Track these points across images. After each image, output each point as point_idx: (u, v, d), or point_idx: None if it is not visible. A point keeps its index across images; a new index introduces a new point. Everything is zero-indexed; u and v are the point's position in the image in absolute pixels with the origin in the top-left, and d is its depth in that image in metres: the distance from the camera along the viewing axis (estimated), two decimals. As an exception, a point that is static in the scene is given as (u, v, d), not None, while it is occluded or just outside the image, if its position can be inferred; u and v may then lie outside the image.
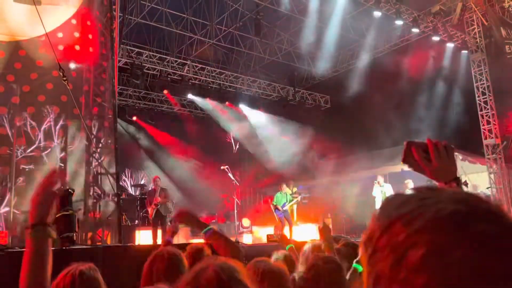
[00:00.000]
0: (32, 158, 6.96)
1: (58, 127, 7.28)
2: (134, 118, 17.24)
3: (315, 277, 2.46)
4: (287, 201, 11.13)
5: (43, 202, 1.48)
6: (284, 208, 11.07)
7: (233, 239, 9.83)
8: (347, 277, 3.07)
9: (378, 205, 10.76)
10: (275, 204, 11.27)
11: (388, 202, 0.58)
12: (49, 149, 7.14)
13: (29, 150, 6.89)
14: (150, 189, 10.10)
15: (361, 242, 0.57)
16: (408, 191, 0.57)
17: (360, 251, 0.57)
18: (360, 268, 3.09)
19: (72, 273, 2.00)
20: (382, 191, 10.97)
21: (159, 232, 9.48)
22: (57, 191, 1.53)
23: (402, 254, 0.50)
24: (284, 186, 11.42)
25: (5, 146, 6.77)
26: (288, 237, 10.46)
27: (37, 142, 7.06)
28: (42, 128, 7.11)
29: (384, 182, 11.06)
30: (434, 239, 0.49)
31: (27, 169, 6.87)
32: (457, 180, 1.31)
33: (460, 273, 0.47)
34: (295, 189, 12.13)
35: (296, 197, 11.45)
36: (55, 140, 7.23)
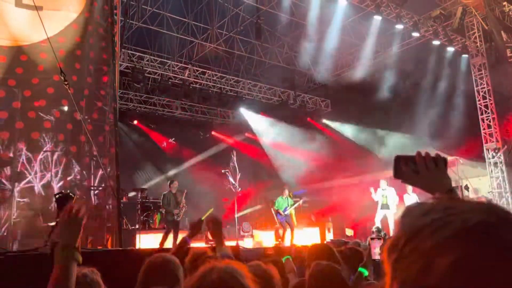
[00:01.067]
0: (33, 163, 6.96)
1: (58, 131, 7.28)
2: (135, 121, 17.26)
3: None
4: (288, 205, 11.11)
5: (73, 226, 1.56)
6: (286, 213, 11.05)
7: (233, 242, 9.83)
8: (353, 278, 3.07)
9: (379, 209, 10.80)
10: (276, 208, 11.25)
11: (411, 210, 0.59)
12: (49, 153, 7.13)
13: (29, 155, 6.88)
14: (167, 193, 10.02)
15: (384, 248, 0.58)
16: (430, 201, 0.59)
17: (384, 257, 0.58)
18: (365, 273, 3.08)
19: None
20: (383, 194, 10.92)
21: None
22: (84, 219, 1.61)
23: (430, 261, 0.51)
24: (286, 190, 11.40)
25: (7, 151, 6.77)
26: (290, 242, 10.48)
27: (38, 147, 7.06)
28: (43, 133, 7.11)
29: (386, 186, 10.97)
30: (463, 248, 0.50)
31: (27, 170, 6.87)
32: (451, 192, 1.28)
33: (490, 281, 0.48)
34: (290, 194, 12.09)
35: (298, 201, 11.42)
36: (55, 145, 7.24)
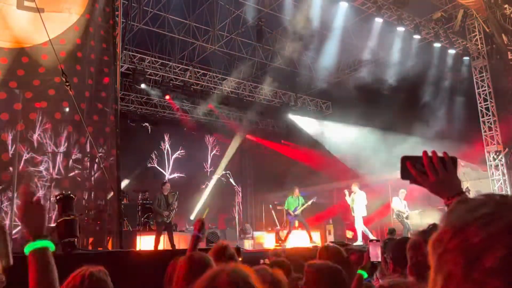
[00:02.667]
0: (34, 164, 6.96)
1: (59, 133, 7.29)
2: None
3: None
4: (298, 205, 11.10)
5: (32, 216, 1.53)
6: (296, 213, 11.04)
7: (234, 244, 9.82)
8: (354, 282, 3.08)
9: (354, 212, 10.82)
10: (286, 208, 11.25)
11: (459, 205, 0.59)
12: (51, 155, 7.14)
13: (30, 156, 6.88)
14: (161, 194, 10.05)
15: (430, 242, 0.58)
16: (479, 196, 0.59)
17: (429, 251, 0.58)
18: (365, 275, 3.09)
19: (82, 274, 2.04)
20: (353, 198, 11.05)
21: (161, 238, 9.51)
22: (40, 200, 1.59)
23: (477, 255, 0.50)
24: (297, 190, 11.37)
25: (7, 152, 6.77)
26: (309, 241, 10.47)
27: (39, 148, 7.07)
28: (44, 135, 7.11)
29: (358, 190, 11.12)
30: None
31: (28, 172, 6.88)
32: (462, 194, 1.21)
33: None
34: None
35: (308, 202, 11.40)
36: (56, 146, 7.24)
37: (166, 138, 17.72)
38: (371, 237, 10.04)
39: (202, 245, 9.62)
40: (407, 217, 11.07)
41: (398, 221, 11.24)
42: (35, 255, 1.46)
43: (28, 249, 1.46)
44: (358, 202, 10.93)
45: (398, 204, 11.22)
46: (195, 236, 3.22)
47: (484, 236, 0.51)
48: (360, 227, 10.92)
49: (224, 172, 13.28)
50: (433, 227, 1.81)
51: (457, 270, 0.52)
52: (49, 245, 1.50)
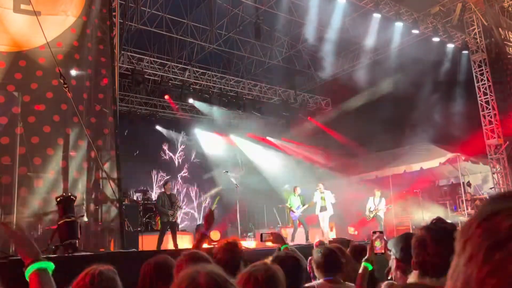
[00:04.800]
0: (33, 166, 6.96)
1: (57, 136, 7.28)
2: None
3: None
4: (301, 203, 11.10)
5: (19, 241, 1.66)
6: (298, 211, 11.04)
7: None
8: (359, 273, 3.10)
9: (317, 210, 11.00)
10: (289, 206, 11.26)
11: (493, 197, 0.60)
12: (50, 157, 7.13)
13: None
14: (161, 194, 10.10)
15: (459, 230, 0.60)
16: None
17: (457, 237, 0.59)
18: (370, 267, 3.11)
19: (91, 273, 2.07)
20: (322, 197, 11.20)
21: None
22: (18, 231, 1.72)
23: (502, 240, 0.52)
24: (298, 188, 11.39)
25: (7, 156, 6.77)
26: (305, 241, 10.48)
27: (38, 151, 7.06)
28: (43, 137, 7.11)
29: (324, 189, 11.32)
30: None
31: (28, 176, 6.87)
32: None
33: None
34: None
35: (310, 201, 11.40)
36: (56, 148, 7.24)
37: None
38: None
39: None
40: (377, 215, 11.48)
41: (371, 217, 11.58)
42: (35, 275, 1.56)
43: (27, 273, 1.57)
44: (330, 200, 11.18)
45: (370, 204, 11.68)
46: (202, 234, 3.15)
47: (511, 223, 0.53)
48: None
49: (224, 171, 13.27)
50: (437, 221, 1.81)
51: (479, 253, 0.53)
52: (48, 265, 1.62)
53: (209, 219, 3.19)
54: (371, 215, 11.55)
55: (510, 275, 0.50)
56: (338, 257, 3.13)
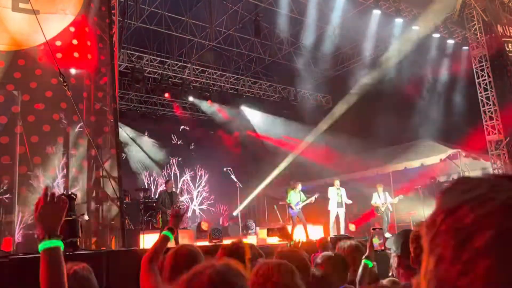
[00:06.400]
0: (34, 165, 6.95)
1: (57, 134, 7.28)
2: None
3: None
4: (300, 200, 11.09)
5: (49, 215, 1.59)
6: (298, 207, 11.03)
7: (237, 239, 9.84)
8: (359, 271, 3.08)
9: (332, 206, 11.04)
10: (288, 202, 11.25)
11: (454, 186, 0.57)
12: (50, 156, 7.13)
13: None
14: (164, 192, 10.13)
15: (424, 224, 0.58)
16: (476, 178, 0.57)
17: (423, 234, 0.57)
18: (370, 264, 3.10)
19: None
20: (338, 193, 11.27)
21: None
22: (61, 198, 1.64)
23: (468, 236, 0.50)
24: (299, 184, 11.38)
25: (7, 155, 6.76)
26: (305, 238, 10.48)
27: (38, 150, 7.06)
28: (43, 136, 7.10)
29: (339, 185, 11.48)
30: (503, 224, 0.49)
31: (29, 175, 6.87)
32: None
33: None
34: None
35: (310, 197, 11.40)
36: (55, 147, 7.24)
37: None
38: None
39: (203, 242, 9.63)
40: (385, 209, 11.47)
41: (382, 211, 11.55)
42: (48, 253, 1.54)
43: (42, 247, 1.55)
44: (345, 196, 11.32)
45: (376, 199, 11.62)
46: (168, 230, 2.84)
47: (476, 217, 0.50)
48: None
49: (225, 168, 13.28)
50: None
51: (447, 252, 0.52)
52: (60, 244, 1.59)
53: (176, 218, 2.96)
54: (383, 209, 11.48)
55: (481, 275, 0.48)
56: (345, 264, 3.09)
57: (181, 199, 15.55)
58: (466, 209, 0.52)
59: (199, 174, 18.64)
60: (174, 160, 18.32)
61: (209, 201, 18.53)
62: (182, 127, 18.41)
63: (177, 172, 18.10)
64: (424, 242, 0.57)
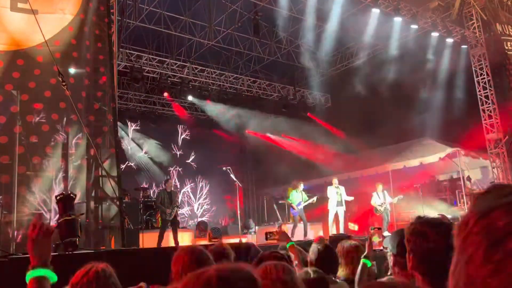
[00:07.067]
0: (33, 165, 6.95)
1: (57, 133, 7.27)
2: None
3: None
4: (302, 199, 11.07)
5: (41, 247, 1.62)
6: (299, 207, 11.01)
7: (237, 239, 9.84)
8: (358, 270, 3.08)
9: (331, 205, 11.01)
10: (290, 201, 11.23)
11: (488, 191, 0.60)
12: (49, 155, 7.12)
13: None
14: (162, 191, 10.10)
15: (456, 226, 0.60)
16: (510, 184, 0.60)
17: (455, 234, 0.59)
18: (369, 263, 3.10)
19: (94, 270, 2.10)
20: (338, 192, 11.24)
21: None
22: (50, 229, 1.67)
23: (501, 238, 0.52)
24: (301, 184, 11.35)
25: (6, 155, 6.75)
26: (303, 237, 10.48)
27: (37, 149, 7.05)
28: (42, 136, 7.09)
29: (338, 184, 11.42)
30: None
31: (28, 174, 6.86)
32: None
33: None
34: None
35: (312, 197, 11.39)
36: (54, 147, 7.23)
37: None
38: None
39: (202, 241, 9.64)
40: (385, 208, 11.45)
41: (382, 211, 11.53)
42: (36, 282, 1.54)
43: (30, 276, 1.55)
44: (344, 195, 11.28)
45: (375, 199, 11.58)
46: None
47: (509, 220, 0.52)
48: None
49: (225, 167, 13.27)
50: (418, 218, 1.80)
51: (479, 252, 0.53)
52: (51, 275, 1.59)
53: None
54: (382, 209, 11.49)
55: (511, 276, 0.50)
56: (335, 256, 3.11)
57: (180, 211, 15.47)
58: (499, 213, 0.54)
59: (200, 185, 18.58)
60: (174, 172, 18.20)
61: (209, 213, 18.45)
62: (182, 136, 18.38)
63: (177, 183, 17.89)
64: (456, 242, 0.58)
